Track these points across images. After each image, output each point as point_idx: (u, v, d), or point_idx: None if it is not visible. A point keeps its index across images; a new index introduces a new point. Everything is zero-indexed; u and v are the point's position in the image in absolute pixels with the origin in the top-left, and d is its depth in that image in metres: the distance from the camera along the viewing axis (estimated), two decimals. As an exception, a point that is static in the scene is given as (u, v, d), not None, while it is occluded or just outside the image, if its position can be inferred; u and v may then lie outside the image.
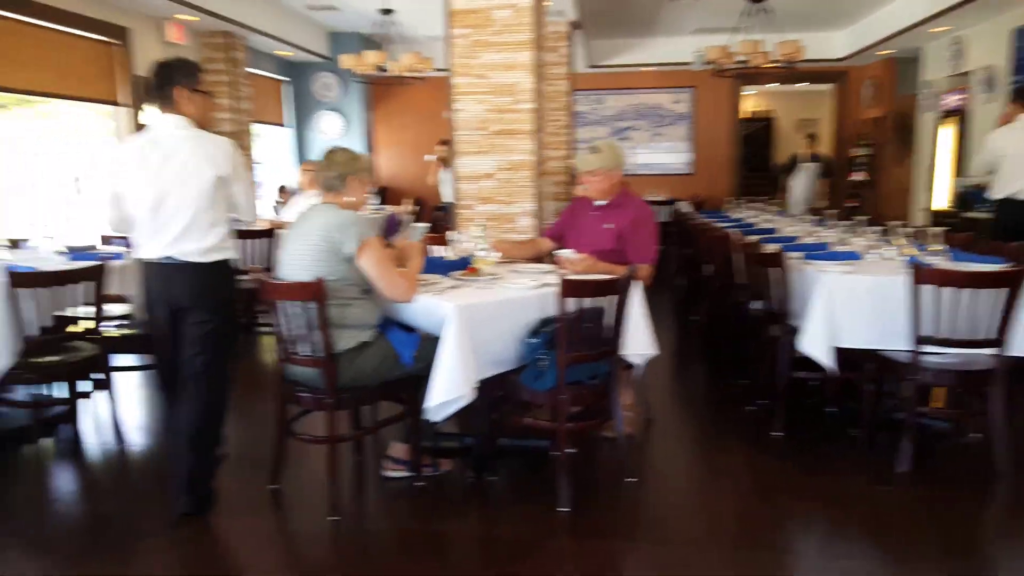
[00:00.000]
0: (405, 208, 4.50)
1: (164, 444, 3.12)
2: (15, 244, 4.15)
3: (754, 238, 4.32)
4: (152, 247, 2.72)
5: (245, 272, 5.11)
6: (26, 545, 2.65)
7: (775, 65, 7.20)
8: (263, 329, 5.94)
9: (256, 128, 8.72)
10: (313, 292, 2.56)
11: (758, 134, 13.79)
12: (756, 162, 12.81)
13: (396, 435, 3.13)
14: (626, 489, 2.97)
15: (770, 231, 5.00)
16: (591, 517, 2.75)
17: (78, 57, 6.32)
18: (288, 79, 10.02)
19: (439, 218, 8.24)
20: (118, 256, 3.77)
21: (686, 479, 3.20)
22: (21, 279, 3.06)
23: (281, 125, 9.99)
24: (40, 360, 3.24)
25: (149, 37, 7.13)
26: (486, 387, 2.74)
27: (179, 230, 2.68)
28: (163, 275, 2.73)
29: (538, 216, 4.03)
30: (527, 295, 2.85)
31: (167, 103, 2.72)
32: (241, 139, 8.19)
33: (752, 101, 13.80)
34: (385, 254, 2.78)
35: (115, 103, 6.80)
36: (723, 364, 4.86)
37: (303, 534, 2.75)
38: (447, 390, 2.58)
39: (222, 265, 2.79)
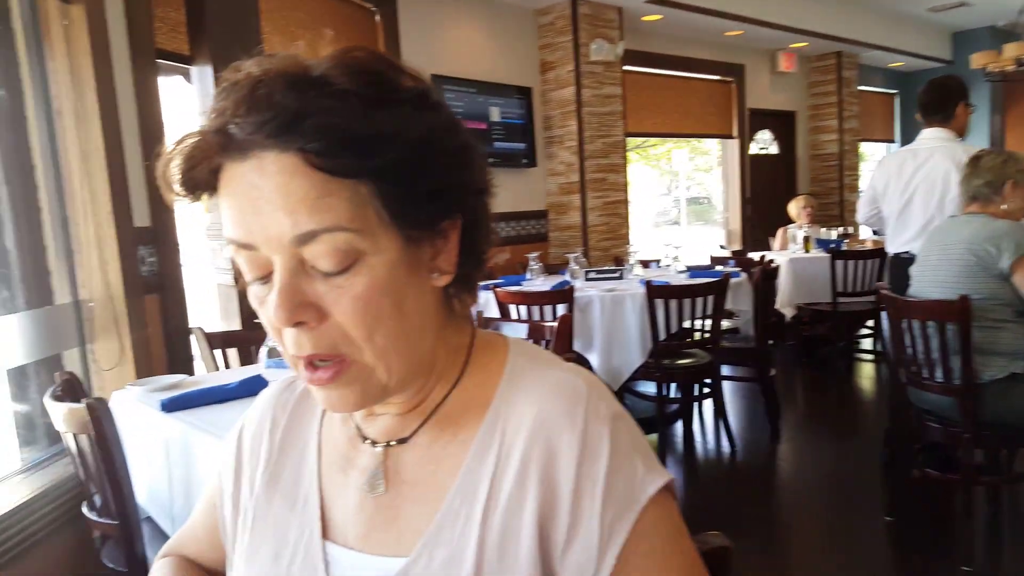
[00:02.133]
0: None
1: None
2: (646, 264, 4.81)
3: None
4: (894, 243, 3.25)
5: (852, 294, 4.92)
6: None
7: None
8: (864, 356, 5.63)
9: (863, 147, 8.38)
10: (955, 312, 2.23)
11: None
12: None
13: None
14: None
15: None
16: None
17: (698, 98, 7.06)
18: (896, 91, 9.35)
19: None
20: (736, 275, 4.00)
21: None
22: (657, 291, 3.50)
23: (890, 141, 9.36)
24: (664, 362, 3.64)
25: (761, 70, 7.52)
26: None
27: (917, 229, 3.09)
28: (898, 268, 3.12)
29: None
30: None
31: (946, 118, 3.12)
32: (847, 159, 7.96)
33: None
34: (1051, 270, 2.25)
35: (729, 136, 7.37)
36: None
37: (918, 572, 2.42)
38: None
39: None
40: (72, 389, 1.95)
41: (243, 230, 0.57)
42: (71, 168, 2.55)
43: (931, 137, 3.17)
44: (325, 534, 0.69)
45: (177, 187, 0.61)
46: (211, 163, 0.58)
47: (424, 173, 0.59)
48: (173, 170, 0.60)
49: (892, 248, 3.35)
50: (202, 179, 0.60)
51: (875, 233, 6.84)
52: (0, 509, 2.01)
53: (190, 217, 3.46)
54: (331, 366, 0.59)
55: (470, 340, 0.71)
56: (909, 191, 3.18)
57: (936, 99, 3.16)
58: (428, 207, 0.60)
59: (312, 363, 0.60)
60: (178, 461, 1.79)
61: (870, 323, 5.54)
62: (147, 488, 1.94)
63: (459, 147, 0.63)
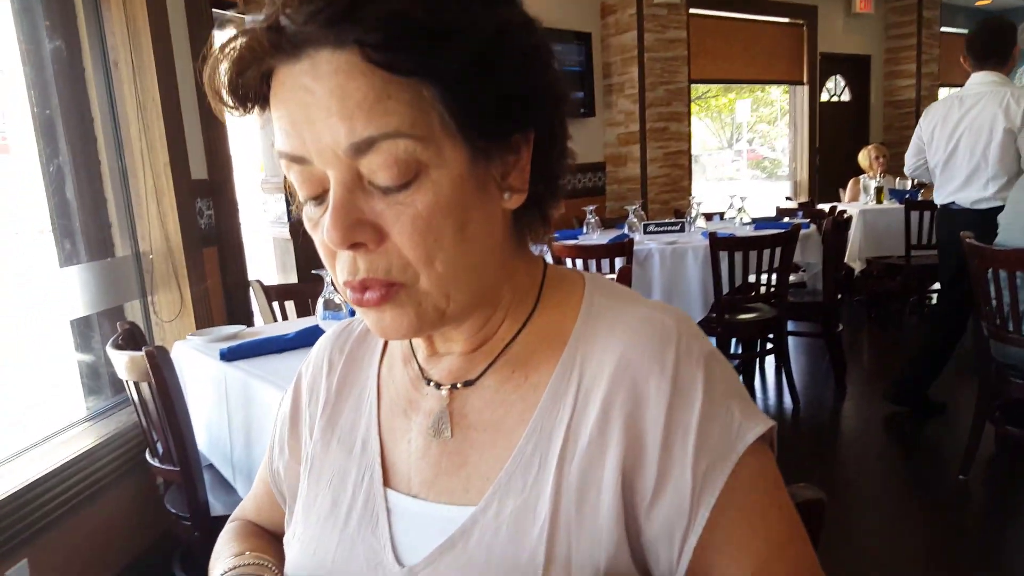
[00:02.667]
0: None
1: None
2: (708, 217, 4.64)
3: None
4: (940, 194, 3.19)
5: (927, 246, 4.66)
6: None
7: None
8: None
9: (942, 93, 7.89)
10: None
11: None
12: None
13: None
14: None
15: None
16: None
17: (766, 42, 6.71)
18: (982, 33, 8.74)
19: None
20: (805, 226, 3.83)
21: None
22: (722, 243, 3.36)
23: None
24: (727, 316, 3.52)
25: (835, 12, 7.11)
26: None
27: (962, 179, 3.05)
28: (947, 219, 3.14)
29: None
30: None
31: (1002, 61, 2.99)
32: (925, 105, 7.52)
33: None
34: None
35: (799, 83, 7.02)
36: None
37: (992, 534, 2.30)
38: None
39: (989, 213, 2.83)
40: (133, 338, 1.98)
41: (295, 140, 0.52)
42: (128, 120, 2.56)
43: (980, 82, 3.05)
44: (386, 481, 0.65)
45: (226, 95, 0.55)
46: (262, 66, 0.53)
47: (495, 75, 0.53)
48: (222, 77, 0.54)
49: (939, 199, 3.25)
50: (252, 85, 0.54)
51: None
52: (66, 456, 2.07)
53: (247, 171, 3.47)
54: (382, 287, 0.54)
55: (541, 275, 0.66)
56: (955, 139, 3.08)
57: (995, 40, 3.03)
58: (498, 115, 0.54)
59: (364, 287, 0.55)
60: (237, 409, 1.81)
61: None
62: (207, 436, 1.96)
63: (533, 48, 0.56)
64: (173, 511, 1.85)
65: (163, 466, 1.82)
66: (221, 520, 1.76)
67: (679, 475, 0.55)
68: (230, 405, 1.84)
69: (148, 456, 1.90)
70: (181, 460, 1.73)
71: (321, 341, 0.78)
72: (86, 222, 2.48)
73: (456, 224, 0.53)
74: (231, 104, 0.56)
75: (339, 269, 0.55)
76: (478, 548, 0.57)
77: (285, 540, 0.72)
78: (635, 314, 0.60)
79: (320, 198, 0.54)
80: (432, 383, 0.66)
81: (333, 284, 0.60)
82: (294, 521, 0.71)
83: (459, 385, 0.64)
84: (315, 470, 0.70)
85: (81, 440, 2.22)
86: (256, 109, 0.56)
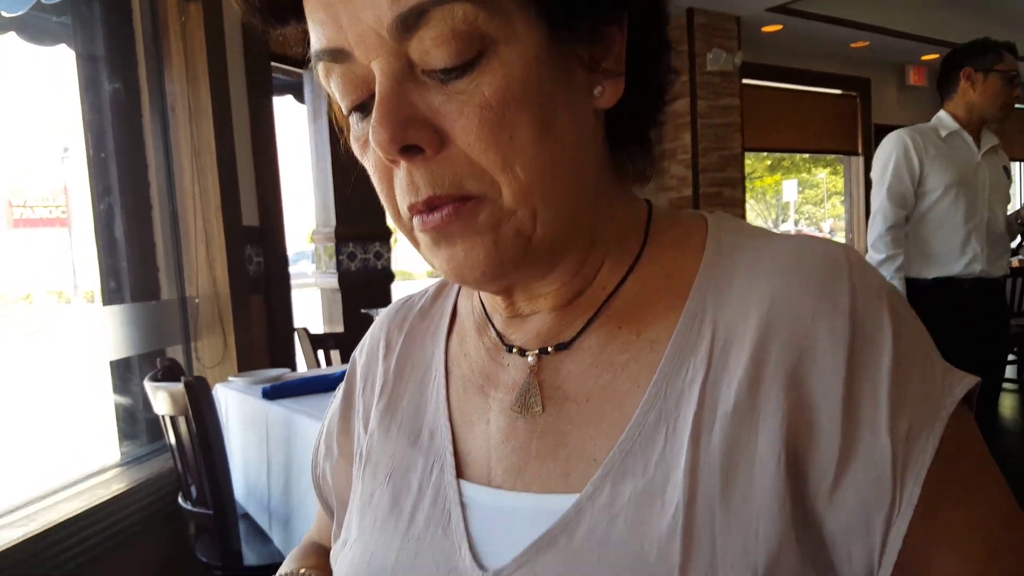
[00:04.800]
0: None
1: None
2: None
3: None
4: None
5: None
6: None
7: None
8: (1007, 385, 5.04)
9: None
10: None
11: None
12: None
13: None
14: None
15: None
16: None
17: (820, 113, 6.66)
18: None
19: None
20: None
21: None
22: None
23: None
24: None
25: (888, 84, 7.05)
26: None
27: None
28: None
29: None
30: None
31: (946, 94, 2.42)
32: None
33: None
34: None
35: (854, 153, 6.91)
36: None
37: None
38: None
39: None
40: (173, 374, 1.86)
41: (331, 29, 0.42)
42: (182, 164, 2.54)
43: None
44: (460, 472, 0.52)
45: None
46: None
47: None
48: None
49: None
50: None
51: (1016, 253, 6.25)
52: (94, 500, 1.93)
53: (297, 219, 3.43)
54: (451, 201, 0.43)
55: (647, 212, 0.53)
56: None
57: (939, 76, 2.47)
58: None
59: (430, 205, 0.44)
60: (278, 449, 1.66)
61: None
62: (245, 483, 1.81)
63: None
64: (204, 560, 1.68)
65: (196, 509, 1.66)
66: (254, 571, 1.58)
67: (871, 440, 0.41)
68: (270, 446, 1.69)
69: (181, 499, 1.75)
70: (215, 502, 1.57)
71: (377, 321, 0.66)
72: (133, 263, 2.42)
73: (536, 117, 0.42)
74: (261, 6, 0.47)
75: (399, 194, 0.44)
76: (588, 542, 0.44)
77: (332, 553, 0.58)
78: (783, 246, 0.47)
79: (366, 105, 0.44)
80: (515, 350, 0.53)
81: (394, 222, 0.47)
82: (346, 526, 0.57)
83: (550, 349, 0.51)
84: (371, 464, 0.57)
85: (112, 485, 2.07)
86: (292, 21, 0.47)
